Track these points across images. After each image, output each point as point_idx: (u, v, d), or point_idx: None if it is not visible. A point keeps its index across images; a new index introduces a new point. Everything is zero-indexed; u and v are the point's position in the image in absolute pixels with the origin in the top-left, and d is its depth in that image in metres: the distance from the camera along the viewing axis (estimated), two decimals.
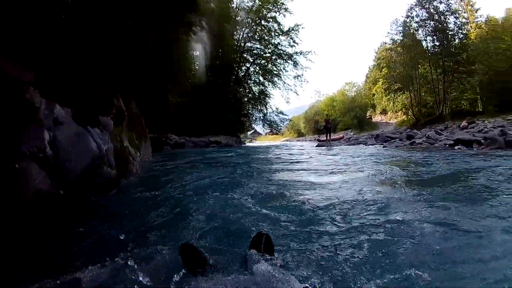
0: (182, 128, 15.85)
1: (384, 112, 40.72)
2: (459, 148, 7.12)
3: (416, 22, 21.17)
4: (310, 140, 31.86)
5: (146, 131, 6.11)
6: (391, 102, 39.36)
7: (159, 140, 12.39)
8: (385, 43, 43.05)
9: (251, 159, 7.12)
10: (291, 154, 8.28)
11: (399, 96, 37.66)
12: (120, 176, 3.19)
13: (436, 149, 7.72)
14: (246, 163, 5.76)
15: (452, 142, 8.26)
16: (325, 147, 12.44)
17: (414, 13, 21.55)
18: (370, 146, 11.39)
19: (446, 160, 4.74)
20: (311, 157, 7.24)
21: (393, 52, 25.05)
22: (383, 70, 40.37)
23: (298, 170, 4.52)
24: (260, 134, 54.51)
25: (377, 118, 40.59)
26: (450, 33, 20.10)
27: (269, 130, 27.67)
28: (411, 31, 21.59)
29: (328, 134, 15.23)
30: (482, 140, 7.49)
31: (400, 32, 23.19)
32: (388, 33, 25.18)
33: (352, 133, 31.51)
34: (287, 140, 43.08)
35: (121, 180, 3.17)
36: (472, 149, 6.92)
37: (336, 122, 36.47)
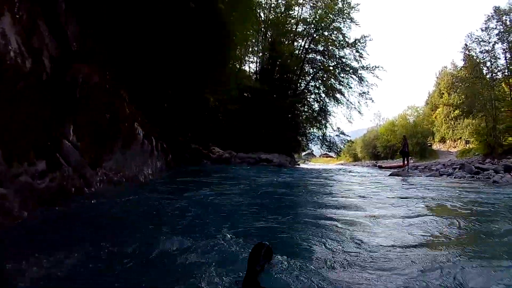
0: (229, 141, 14.34)
1: (442, 140, 38.34)
2: None
3: (496, 35, 19.57)
4: (367, 166, 30.55)
5: (134, 129, 4.03)
6: (451, 130, 36.90)
7: (198, 151, 10.43)
8: (446, 67, 40.98)
9: (321, 191, 5.61)
10: (376, 187, 6.38)
11: (459, 124, 35.13)
12: None
13: None
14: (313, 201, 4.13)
15: None
16: (401, 177, 11.11)
17: (492, 25, 19.71)
18: (460, 178, 10.72)
19: None
20: (406, 193, 5.47)
21: (465, 70, 23.01)
22: (443, 95, 38.23)
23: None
24: (314, 155, 53.27)
25: (435, 146, 38.25)
26: None
27: (325, 152, 26.11)
28: (489, 47, 20.03)
29: (406, 160, 13.80)
30: None
31: (476, 47, 20.93)
32: (463, 48, 22.07)
33: (412, 161, 29.72)
34: (341, 164, 41.80)
35: None
36: None
37: (396, 149, 35.04)
